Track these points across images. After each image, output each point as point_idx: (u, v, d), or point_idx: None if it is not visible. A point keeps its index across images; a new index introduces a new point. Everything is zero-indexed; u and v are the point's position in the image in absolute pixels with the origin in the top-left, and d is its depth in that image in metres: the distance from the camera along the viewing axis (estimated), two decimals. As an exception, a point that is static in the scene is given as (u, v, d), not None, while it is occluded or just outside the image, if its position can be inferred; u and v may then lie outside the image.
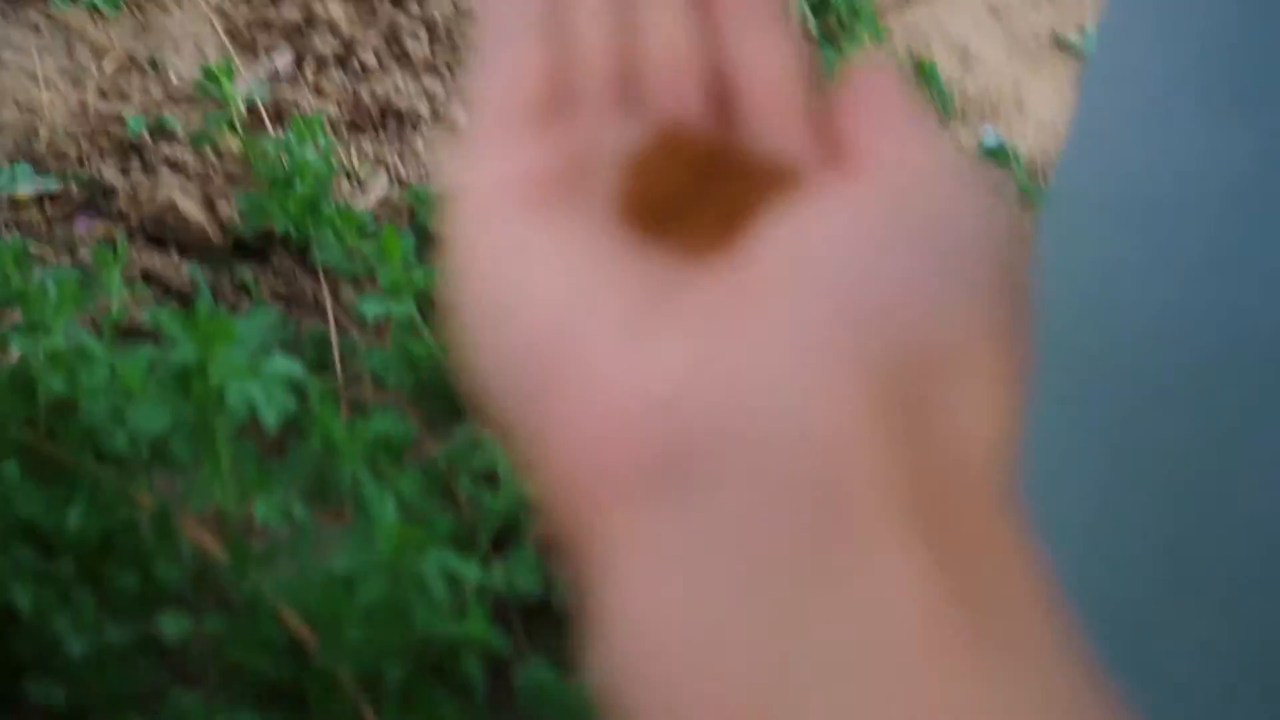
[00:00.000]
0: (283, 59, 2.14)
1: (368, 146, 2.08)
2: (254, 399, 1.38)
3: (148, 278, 1.85)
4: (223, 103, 1.99)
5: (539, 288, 0.44)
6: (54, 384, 1.45)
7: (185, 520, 1.46)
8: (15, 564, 1.38)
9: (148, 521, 1.43)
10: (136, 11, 2.14)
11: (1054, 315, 0.52)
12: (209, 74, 2.01)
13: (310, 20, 2.18)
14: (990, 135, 2.35)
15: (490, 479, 1.61)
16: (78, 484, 1.43)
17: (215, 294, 1.84)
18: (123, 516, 1.43)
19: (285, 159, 1.88)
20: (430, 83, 2.15)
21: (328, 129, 1.98)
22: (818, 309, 0.42)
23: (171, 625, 1.41)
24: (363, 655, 1.36)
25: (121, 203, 1.92)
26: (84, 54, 2.07)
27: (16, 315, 1.54)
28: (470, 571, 1.40)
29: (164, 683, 1.42)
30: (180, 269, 1.87)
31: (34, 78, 2.02)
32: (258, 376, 1.39)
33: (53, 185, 1.94)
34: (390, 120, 2.11)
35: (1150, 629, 0.80)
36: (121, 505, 1.43)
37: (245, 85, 2.07)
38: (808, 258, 0.43)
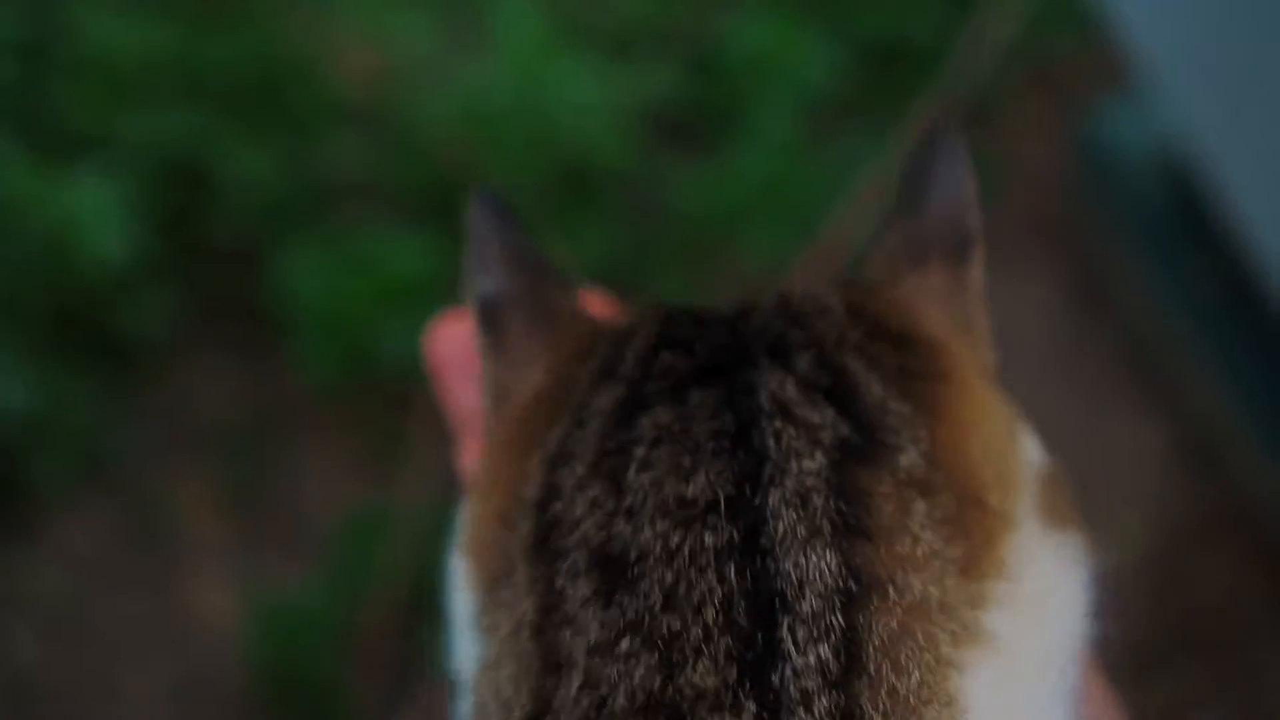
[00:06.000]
0: None
1: None
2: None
3: None
4: None
5: None
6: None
7: (331, 54, 1.46)
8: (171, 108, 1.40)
9: (292, 58, 1.44)
10: None
11: None
12: None
13: None
14: None
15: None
16: (223, 21, 1.44)
17: None
18: (268, 49, 1.44)
19: None
20: None
21: None
22: None
23: (332, 156, 1.43)
24: (504, 171, 1.37)
25: None
26: None
27: None
28: (603, 79, 1.40)
29: (324, 210, 1.46)
30: None
31: None
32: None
33: None
34: None
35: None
36: (265, 42, 1.44)
37: None
38: None
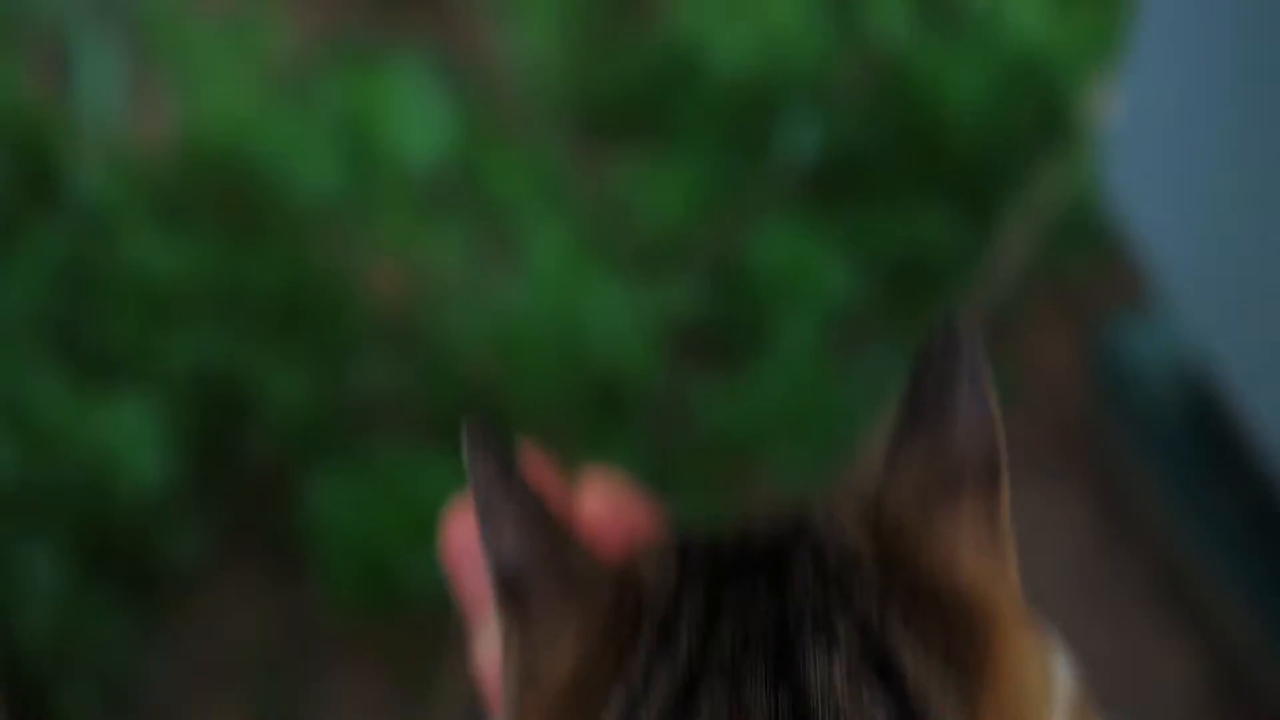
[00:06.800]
0: None
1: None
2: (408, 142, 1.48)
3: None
4: None
5: None
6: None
7: (362, 272, 1.50)
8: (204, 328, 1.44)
9: (324, 277, 1.48)
10: None
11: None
12: None
13: None
14: None
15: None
16: (256, 239, 1.48)
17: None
18: (300, 268, 1.48)
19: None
20: None
21: None
22: None
23: (363, 376, 1.46)
24: (534, 390, 1.40)
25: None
26: None
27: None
28: (634, 299, 1.43)
29: (355, 431, 1.48)
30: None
31: None
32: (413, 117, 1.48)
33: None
34: None
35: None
36: (298, 261, 1.48)
37: None
38: None
